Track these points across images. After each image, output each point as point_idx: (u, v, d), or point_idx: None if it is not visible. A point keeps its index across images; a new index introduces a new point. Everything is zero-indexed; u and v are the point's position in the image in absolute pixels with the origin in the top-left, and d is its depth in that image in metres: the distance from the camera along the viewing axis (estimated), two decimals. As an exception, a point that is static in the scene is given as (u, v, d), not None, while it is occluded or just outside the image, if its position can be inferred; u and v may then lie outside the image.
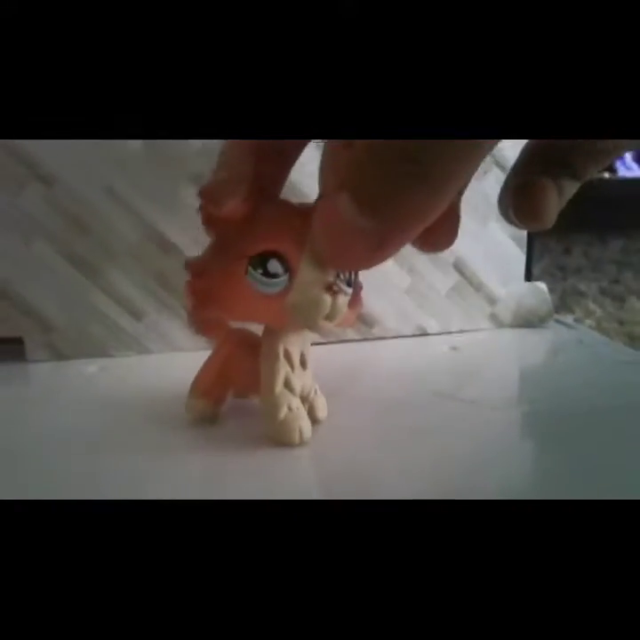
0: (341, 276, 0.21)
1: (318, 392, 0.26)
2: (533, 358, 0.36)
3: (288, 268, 0.20)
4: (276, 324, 0.22)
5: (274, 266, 0.20)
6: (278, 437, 0.23)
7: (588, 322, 0.58)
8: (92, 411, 0.27)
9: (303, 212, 0.19)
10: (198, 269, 0.21)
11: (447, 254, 0.37)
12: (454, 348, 0.36)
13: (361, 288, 0.23)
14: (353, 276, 0.22)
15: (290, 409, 0.23)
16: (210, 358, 0.25)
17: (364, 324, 0.37)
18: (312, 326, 0.21)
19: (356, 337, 0.37)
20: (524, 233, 0.39)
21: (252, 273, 0.20)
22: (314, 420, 0.25)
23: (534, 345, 0.38)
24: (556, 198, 0.20)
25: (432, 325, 0.38)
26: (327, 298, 0.20)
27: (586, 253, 0.83)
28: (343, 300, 0.20)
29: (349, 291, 0.21)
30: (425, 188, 0.15)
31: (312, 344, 0.25)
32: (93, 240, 0.33)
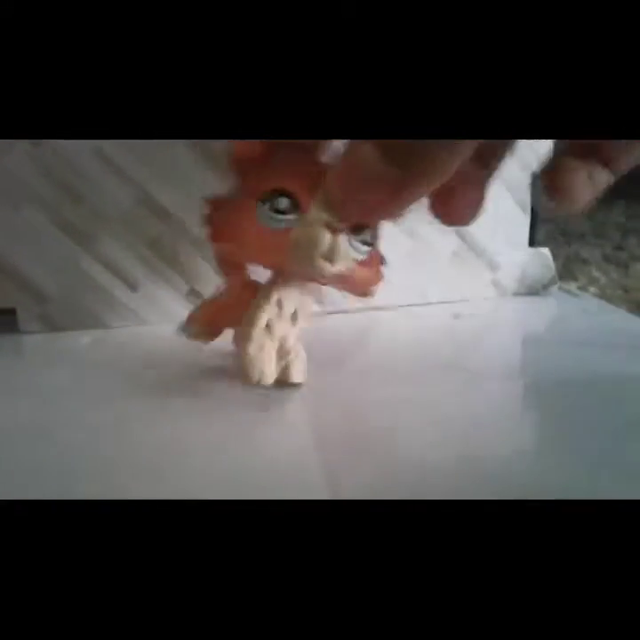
0: (358, 237, 0.22)
1: (300, 355, 0.25)
2: (537, 327, 0.36)
3: (297, 208, 0.21)
4: (279, 261, 0.23)
5: (282, 203, 0.21)
6: (241, 371, 0.23)
7: (592, 289, 0.57)
8: (87, 381, 0.27)
9: (321, 158, 0.21)
10: (216, 203, 0.23)
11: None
12: (456, 317, 0.36)
13: (383, 261, 0.24)
14: (369, 237, 0.23)
15: (261, 349, 0.23)
16: (218, 293, 0.26)
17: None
18: (310, 264, 0.21)
19: (355, 306, 0.36)
20: (528, 196, 0.38)
21: (261, 207, 0.21)
22: (286, 381, 0.24)
23: (538, 313, 0.37)
24: (586, 180, 0.20)
25: (433, 293, 0.38)
26: (326, 234, 0.20)
27: (589, 219, 0.82)
28: (345, 244, 0.21)
29: (363, 248, 0.22)
30: (445, 144, 0.16)
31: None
32: (85, 206, 0.32)
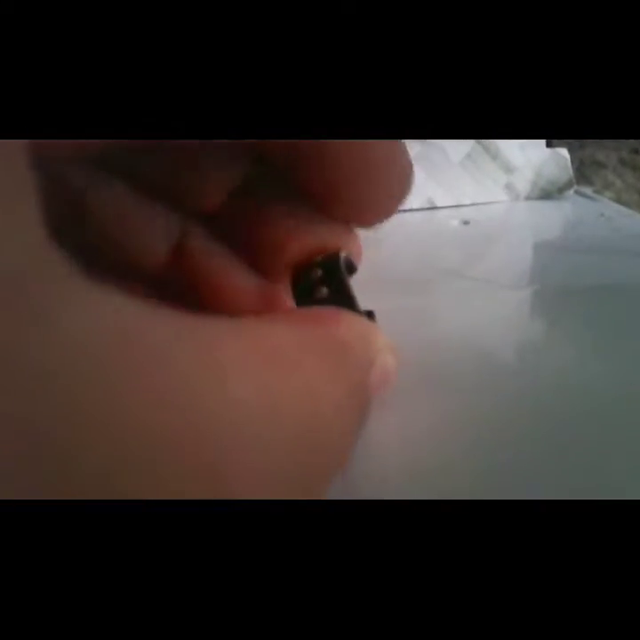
0: None
1: None
2: (551, 233, 0.34)
3: None
4: None
5: None
6: None
7: (608, 193, 0.54)
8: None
9: None
10: None
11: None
12: (465, 223, 0.34)
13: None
14: None
15: None
16: None
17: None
18: None
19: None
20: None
21: None
22: None
23: (552, 218, 0.35)
24: None
25: (442, 197, 0.35)
26: None
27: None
28: None
29: None
30: None
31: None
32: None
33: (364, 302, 0.25)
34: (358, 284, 0.26)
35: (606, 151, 0.72)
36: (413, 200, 0.35)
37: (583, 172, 0.65)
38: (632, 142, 0.76)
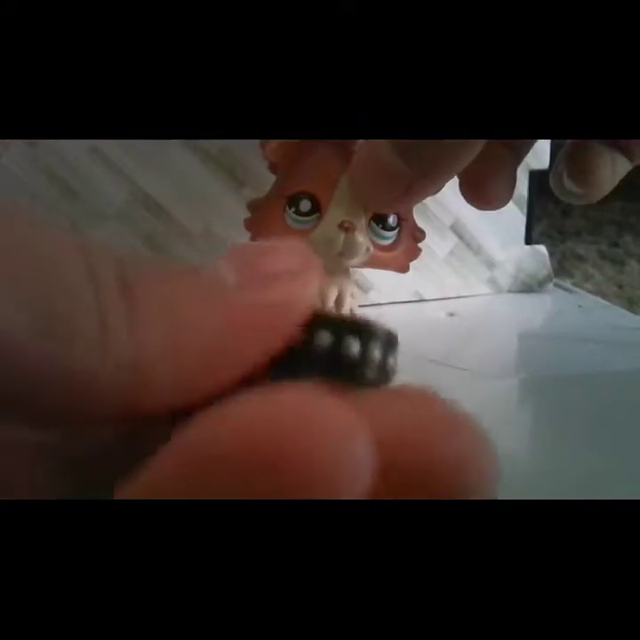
0: (382, 223, 0.23)
1: None
2: (532, 324, 0.36)
3: (318, 209, 0.23)
4: None
5: (305, 205, 0.23)
6: None
7: (587, 286, 0.57)
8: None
9: (340, 156, 0.22)
10: (253, 207, 0.24)
11: (446, 216, 0.36)
12: (451, 314, 0.36)
13: (420, 237, 0.26)
14: (393, 221, 0.24)
15: None
16: None
17: (359, 288, 0.36)
18: (330, 262, 0.23)
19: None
20: (525, 193, 0.38)
21: (288, 211, 0.23)
22: None
23: (533, 310, 0.37)
24: (610, 166, 0.20)
25: (429, 291, 0.37)
26: (340, 235, 0.22)
27: (585, 215, 0.81)
28: (361, 239, 0.22)
29: (387, 234, 0.24)
30: (454, 144, 0.17)
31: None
32: (80, 203, 0.32)
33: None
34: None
35: (586, 245, 0.75)
36: (401, 293, 0.37)
37: (564, 265, 0.68)
38: (611, 236, 0.80)
